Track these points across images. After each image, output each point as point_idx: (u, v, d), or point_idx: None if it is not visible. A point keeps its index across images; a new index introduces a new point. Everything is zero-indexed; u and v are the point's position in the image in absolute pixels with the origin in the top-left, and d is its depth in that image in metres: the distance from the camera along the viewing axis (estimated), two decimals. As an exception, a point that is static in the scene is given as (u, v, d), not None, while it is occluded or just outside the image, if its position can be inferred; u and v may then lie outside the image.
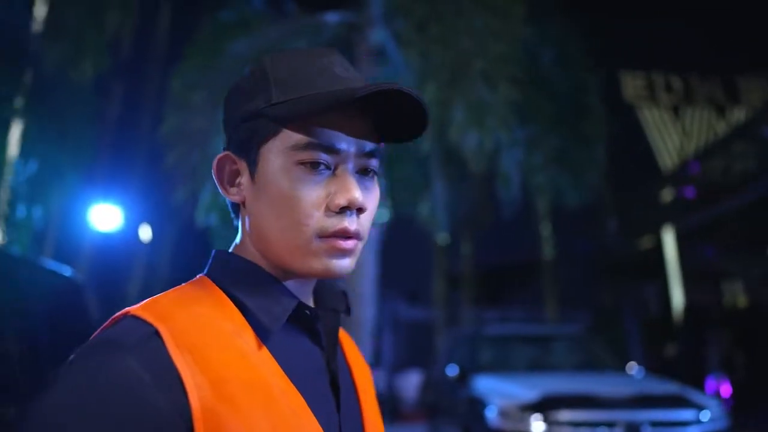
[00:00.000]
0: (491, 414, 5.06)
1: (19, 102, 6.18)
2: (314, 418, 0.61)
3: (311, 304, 0.71)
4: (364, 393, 0.75)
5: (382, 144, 0.70)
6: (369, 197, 0.66)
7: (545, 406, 4.54)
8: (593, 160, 5.00)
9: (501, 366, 6.18)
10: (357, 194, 0.62)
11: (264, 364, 0.60)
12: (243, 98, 0.67)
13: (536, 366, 6.17)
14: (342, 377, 0.71)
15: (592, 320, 12.83)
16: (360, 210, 0.64)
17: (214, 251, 0.69)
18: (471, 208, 8.81)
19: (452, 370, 6.29)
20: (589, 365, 5.96)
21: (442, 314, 13.76)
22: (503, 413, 4.94)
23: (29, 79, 6.02)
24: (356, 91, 0.59)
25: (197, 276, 0.67)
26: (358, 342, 4.43)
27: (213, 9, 4.73)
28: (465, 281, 13.77)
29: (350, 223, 0.63)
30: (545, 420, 4.45)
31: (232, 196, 0.68)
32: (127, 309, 0.58)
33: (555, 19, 4.65)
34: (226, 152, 0.67)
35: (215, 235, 5.48)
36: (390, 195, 6.41)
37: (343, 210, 0.63)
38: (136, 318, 0.56)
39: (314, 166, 0.63)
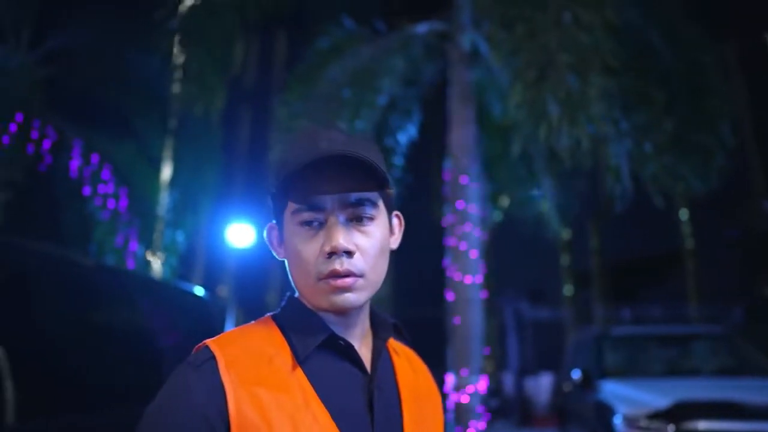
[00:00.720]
0: (618, 422, 4.77)
1: (166, 141, 7.12)
2: (335, 427, 0.75)
3: (355, 334, 0.85)
4: (412, 412, 0.85)
5: (388, 189, 0.84)
6: (364, 239, 0.80)
7: (678, 414, 4.18)
8: (719, 141, 4.51)
9: (631, 370, 5.77)
10: (339, 241, 0.77)
11: (296, 382, 0.76)
12: (269, 181, 0.88)
13: (671, 370, 5.66)
14: (386, 397, 0.83)
15: (746, 316, 11.38)
16: (349, 253, 0.78)
17: (287, 294, 0.89)
18: (587, 202, 8.32)
19: (577, 374, 6.01)
20: (735, 369, 5.35)
21: (571, 314, 13.10)
22: (631, 421, 4.64)
23: (172, 119, 6.92)
24: (302, 162, 0.76)
25: (266, 315, 0.88)
26: (467, 347, 4.45)
27: (313, 38, 5.08)
28: (594, 278, 12.99)
29: (339, 265, 0.77)
30: (678, 430, 4.10)
31: (280, 255, 0.86)
32: (205, 341, 0.79)
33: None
34: (271, 222, 0.88)
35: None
36: (492, 196, 6.32)
37: (332, 255, 0.77)
38: (206, 347, 0.78)
39: (309, 224, 0.79)
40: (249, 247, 10.22)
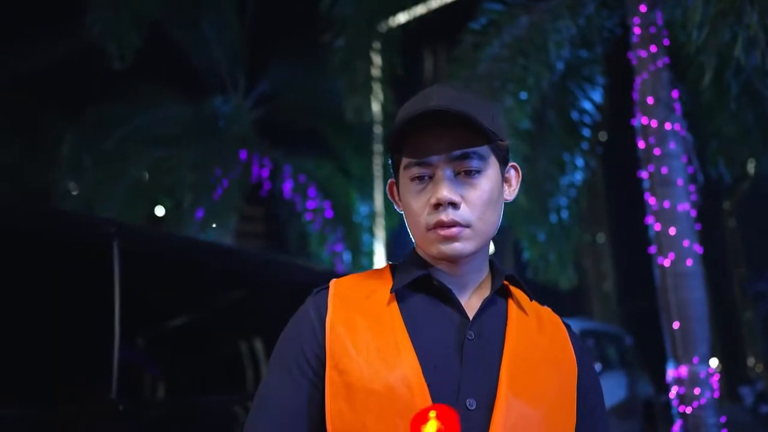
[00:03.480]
0: None
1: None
2: (413, 352, 0.81)
3: (465, 283, 0.89)
4: (514, 365, 0.83)
5: (498, 142, 0.86)
6: (471, 191, 0.84)
7: None
8: None
9: None
10: (443, 193, 0.81)
11: (389, 313, 0.85)
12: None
13: None
14: (483, 344, 0.84)
15: None
16: (454, 204, 0.82)
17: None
18: None
19: None
20: None
21: None
22: None
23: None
24: (407, 117, 0.82)
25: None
26: (686, 330, 3.73)
27: (468, 21, 4.95)
28: None
29: (444, 215, 0.82)
30: None
31: (399, 208, 0.93)
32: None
33: None
34: (391, 179, 0.94)
35: (520, 235, 5.58)
36: (718, 153, 5.24)
37: (438, 207, 0.83)
38: (328, 283, 0.92)
39: (419, 178, 0.85)
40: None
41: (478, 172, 0.83)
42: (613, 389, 6.39)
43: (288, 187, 7.20)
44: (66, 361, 2.00)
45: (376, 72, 6.61)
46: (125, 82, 7.17)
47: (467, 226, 0.83)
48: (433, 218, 0.82)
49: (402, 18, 6.42)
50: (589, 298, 17.26)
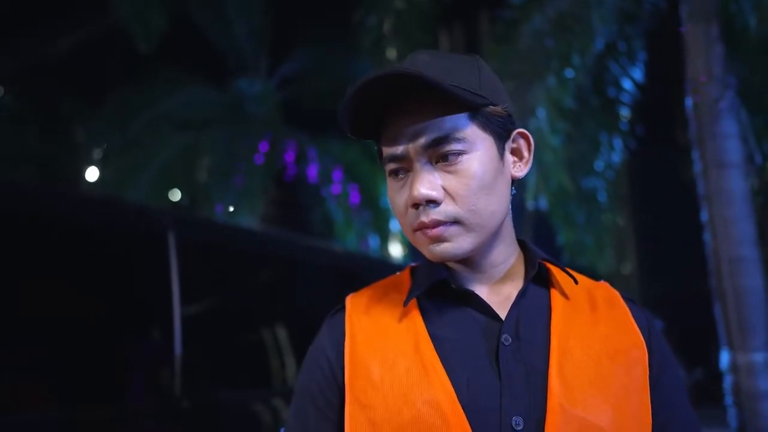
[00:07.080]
0: None
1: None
2: (443, 371, 0.69)
3: (483, 279, 0.77)
4: (565, 362, 0.70)
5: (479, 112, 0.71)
6: (453, 180, 0.70)
7: None
8: None
9: None
10: (418, 191, 0.69)
11: (411, 324, 0.74)
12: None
13: None
14: (523, 346, 0.71)
15: None
16: (433, 201, 0.70)
17: None
18: None
19: None
20: None
21: None
22: None
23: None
24: (360, 84, 0.68)
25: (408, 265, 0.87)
26: (743, 317, 3.58)
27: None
28: None
29: (425, 216, 0.70)
30: None
31: None
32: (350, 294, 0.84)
33: None
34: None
35: (555, 217, 5.41)
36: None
37: (417, 206, 0.71)
38: (345, 300, 0.82)
39: (396, 173, 0.74)
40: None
41: (460, 154, 0.69)
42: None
43: (313, 170, 7.08)
44: (124, 358, 1.92)
45: (407, 51, 6.41)
46: (146, 66, 7.04)
47: (454, 222, 0.70)
48: (416, 219, 0.71)
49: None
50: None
